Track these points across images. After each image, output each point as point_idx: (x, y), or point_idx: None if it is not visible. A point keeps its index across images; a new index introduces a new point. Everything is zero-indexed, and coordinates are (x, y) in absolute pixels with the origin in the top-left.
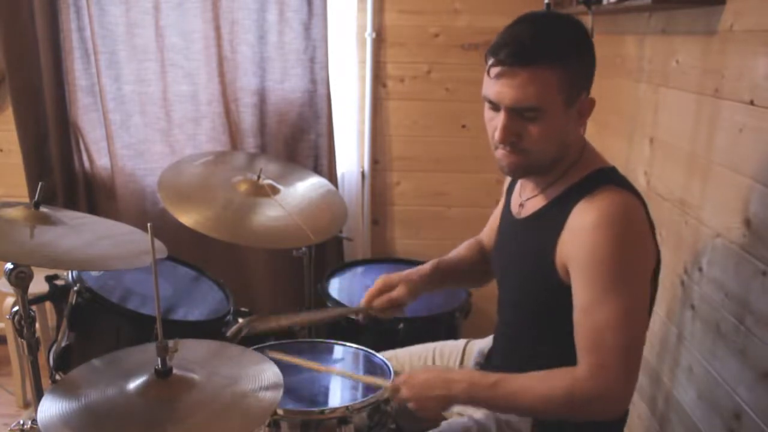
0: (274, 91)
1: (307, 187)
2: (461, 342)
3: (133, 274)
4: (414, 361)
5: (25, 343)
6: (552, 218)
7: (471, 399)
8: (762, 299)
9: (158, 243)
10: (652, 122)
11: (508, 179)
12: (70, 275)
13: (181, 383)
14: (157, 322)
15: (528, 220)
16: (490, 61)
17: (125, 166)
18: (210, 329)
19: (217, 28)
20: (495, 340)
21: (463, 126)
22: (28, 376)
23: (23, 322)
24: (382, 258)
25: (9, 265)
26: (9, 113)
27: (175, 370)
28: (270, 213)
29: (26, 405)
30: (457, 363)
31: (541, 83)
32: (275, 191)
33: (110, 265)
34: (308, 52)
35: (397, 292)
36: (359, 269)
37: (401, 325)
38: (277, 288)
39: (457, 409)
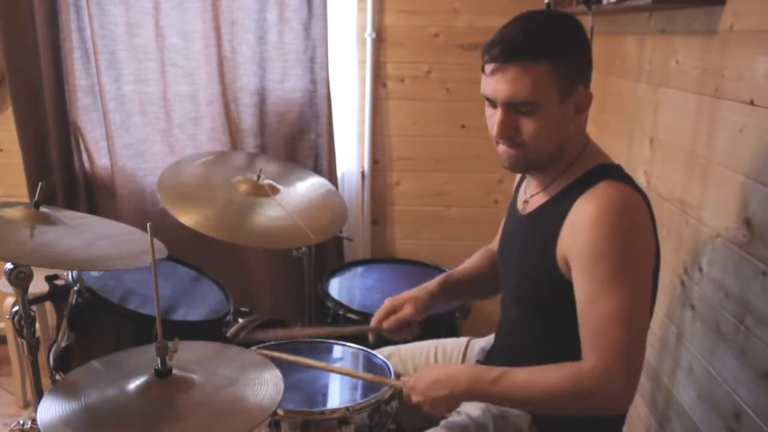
0: (274, 91)
1: (307, 187)
2: (463, 340)
3: (133, 274)
4: (416, 358)
5: (25, 343)
6: (553, 213)
7: (475, 394)
8: (762, 299)
9: (158, 243)
10: (652, 122)
11: (517, 178)
12: (70, 275)
13: (181, 383)
14: (157, 322)
15: (531, 216)
16: (485, 59)
17: (125, 166)
18: (210, 329)
19: (217, 28)
20: (497, 338)
21: (463, 126)
22: (28, 376)
23: (23, 322)
24: (382, 258)
25: (9, 265)
26: (9, 113)
27: (174, 370)
28: (270, 213)
29: (26, 405)
30: (459, 361)
31: (533, 78)
32: (275, 191)
33: (110, 265)
34: (308, 52)
35: (404, 312)
36: (359, 269)
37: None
38: (277, 288)
39: None
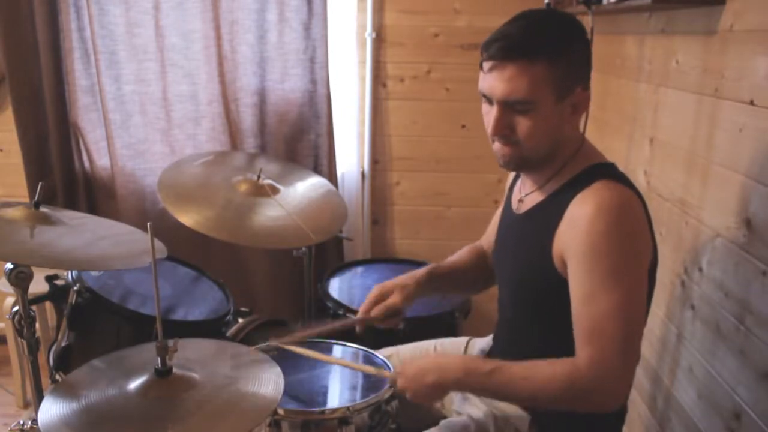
0: (274, 91)
1: (307, 187)
2: (463, 339)
3: (133, 274)
4: (416, 358)
5: (25, 343)
6: (549, 212)
7: (466, 385)
8: (762, 299)
9: (158, 243)
10: (652, 122)
11: (511, 177)
12: (70, 275)
13: (181, 383)
14: (157, 322)
15: (526, 215)
16: (483, 56)
17: (125, 166)
18: (210, 329)
19: (217, 28)
20: (495, 338)
21: (463, 126)
22: (28, 376)
23: (23, 322)
24: (382, 258)
25: (9, 265)
26: (9, 113)
27: (175, 370)
28: (270, 213)
29: (26, 405)
30: None
31: (530, 77)
32: (275, 191)
33: (110, 265)
34: (308, 52)
35: (392, 299)
36: (359, 269)
37: (401, 325)
38: (277, 288)
39: (455, 407)
